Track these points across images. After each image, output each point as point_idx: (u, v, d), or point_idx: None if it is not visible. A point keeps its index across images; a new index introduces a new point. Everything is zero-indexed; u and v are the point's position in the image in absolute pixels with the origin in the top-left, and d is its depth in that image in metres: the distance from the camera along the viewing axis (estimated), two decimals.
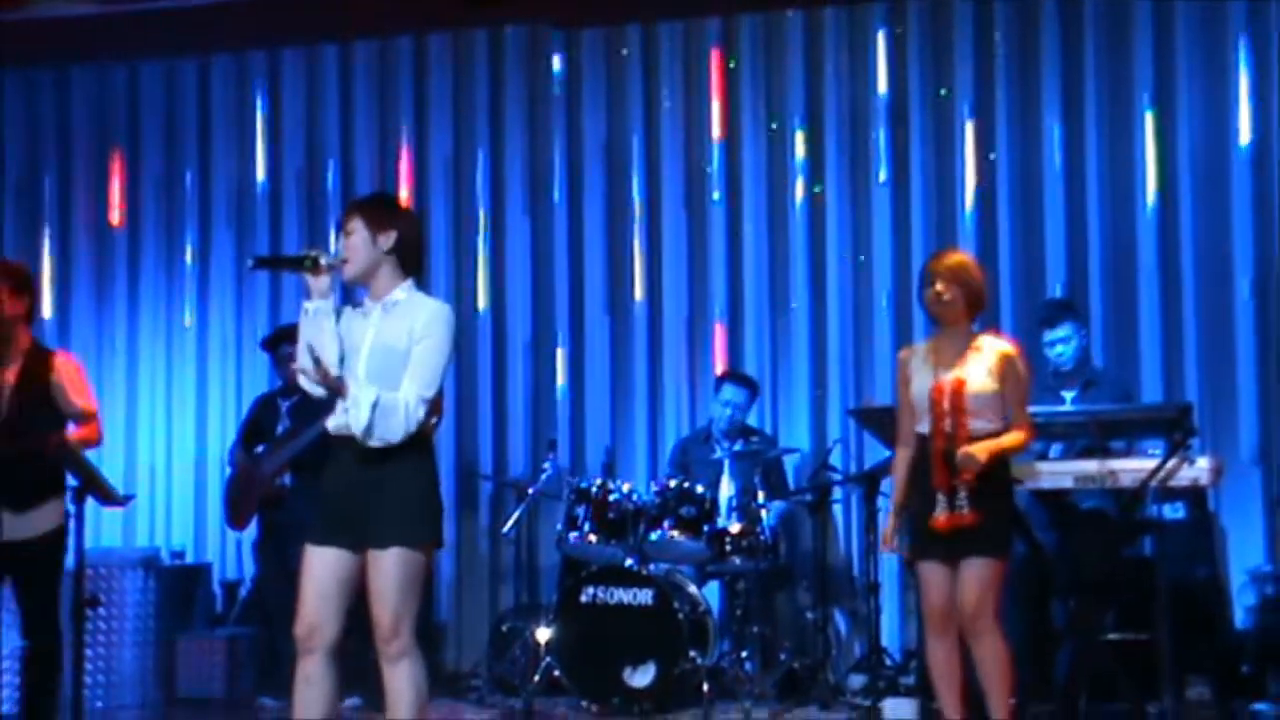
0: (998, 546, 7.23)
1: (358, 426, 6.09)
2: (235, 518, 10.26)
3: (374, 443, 6.10)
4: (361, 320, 6.28)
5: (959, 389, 7.19)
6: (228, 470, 10.50)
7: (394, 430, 6.10)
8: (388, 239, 6.26)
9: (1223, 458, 9.44)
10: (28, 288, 8.24)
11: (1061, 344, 9.40)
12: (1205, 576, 9.36)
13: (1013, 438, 7.26)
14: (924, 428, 7.30)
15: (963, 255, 7.80)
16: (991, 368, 7.27)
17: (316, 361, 6.09)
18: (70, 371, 8.16)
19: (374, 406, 6.07)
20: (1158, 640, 8.58)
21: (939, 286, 7.30)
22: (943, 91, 10.77)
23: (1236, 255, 10.24)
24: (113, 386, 11.77)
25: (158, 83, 11.98)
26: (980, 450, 7.08)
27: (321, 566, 6.20)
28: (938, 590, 7.26)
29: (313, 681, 6.25)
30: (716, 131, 11.21)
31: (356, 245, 6.25)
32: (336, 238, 6.49)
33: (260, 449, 10.16)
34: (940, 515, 7.16)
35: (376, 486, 6.15)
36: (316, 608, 6.20)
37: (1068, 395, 9.33)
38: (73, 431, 7.98)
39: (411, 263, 6.37)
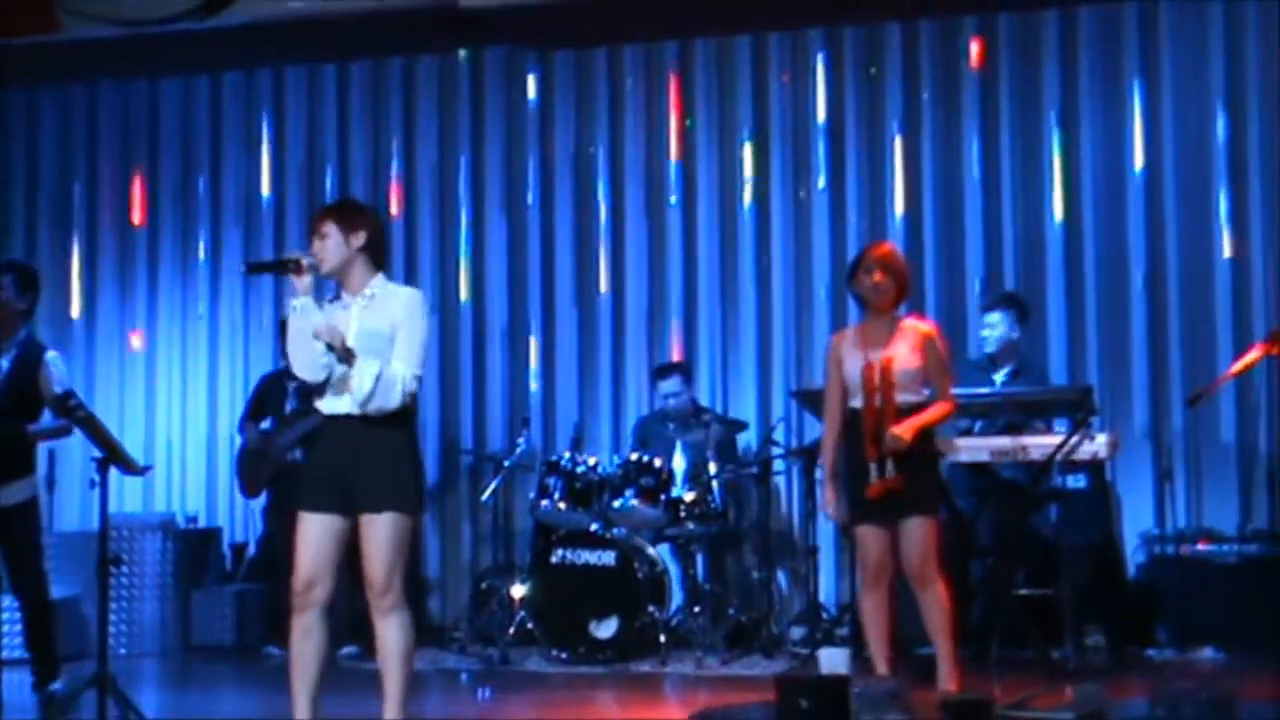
0: (928, 507, 7.30)
1: (360, 394, 6.13)
2: (249, 487, 10.32)
3: (371, 409, 6.14)
4: (343, 312, 6.31)
5: (887, 367, 7.22)
6: (238, 442, 10.54)
7: (391, 400, 6.16)
8: (358, 238, 6.31)
9: (1118, 433, 9.56)
10: (33, 287, 8.42)
11: (992, 328, 9.43)
12: (1102, 539, 9.48)
13: (936, 410, 7.32)
14: (857, 403, 7.33)
15: (892, 245, 7.90)
16: (914, 346, 7.32)
17: (340, 338, 6.15)
18: (57, 367, 8.28)
19: (377, 378, 6.14)
20: (1060, 594, 8.80)
21: (877, 275, 7.33)
22: (872, 70, 10.82)
23: (1131, 256, 10.34)
24: (134, 369, 11.86)
25: (175, 99, 11.95)
26: (905, 430, 7.14)
27: (317, 530, 6.25)
28: (874, 550, 7.30)
29: (310, 633, 6.30)
30: (674, 143, 11.20)
31: (331, 246, 6.29)
32: (310, 240, 6.53)
33: (267, 425, 10.21)
34: (873, 483, 7.19)
35: (369, 458, 6.20)
36: (313, 567, 6.25)
37: (997, 378, 9.38)
38: (48, 423, 8.16)
39: (380, 258, 6.42)
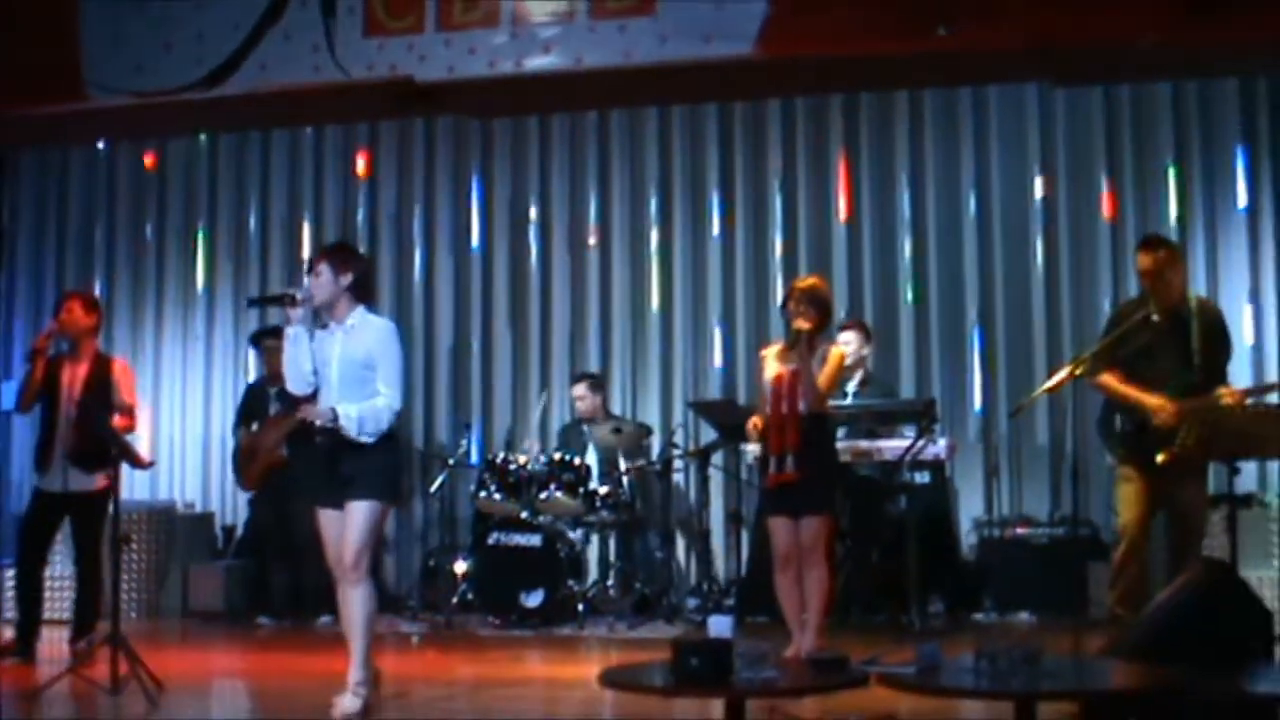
0: (825, 504, 7.28)
1: (352, 433, 6.26)
2: (246, 482, 10.31)
3: (366, 437, 6.28)
4: (329, 339, 6.43)
5: (795, 378, 7.20)
6: (232, 444, 10.52)
7: (381, 425, 6.32)
8: (347, 278, 6.40)
9: (956, 438, 9.80)
10: (96, 309, 8.61)
11: (845, 344, 9.30)
12: (942, 524, 9.61)
13: (821, 377, 7.24)
14: (769, 408, 7.29)
15: (816, 279, 7.74)
16: (820, 362, 7.27)
17: (329, 418, 6.30)
18: (125, 375, 8.42)
19: (360, 419, 6.27)
20: (907, 570, 8.95)
21: (802, 307, 7.27)
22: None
23: (966, 292, 10.49)
24: (142, 380, 11.51)
25: (179, 156, 11.91)
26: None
27: (329, 522, 6.39)
28: (782, 539, 7.28)
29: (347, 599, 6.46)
30: (592, 195, 11.25)
31: (323, 283, 6.39)
32: (306, 275, 6.58)
33: (255, 427, 10.19)
34: (772, 473, 7.19)
35: (354, 459, 6.32)
36: (334, 550, 6.39)
37: (849, 390, 9.45)
38: (118, 419, 8.19)
39: (364, 294, 6.52)
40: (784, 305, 7.50)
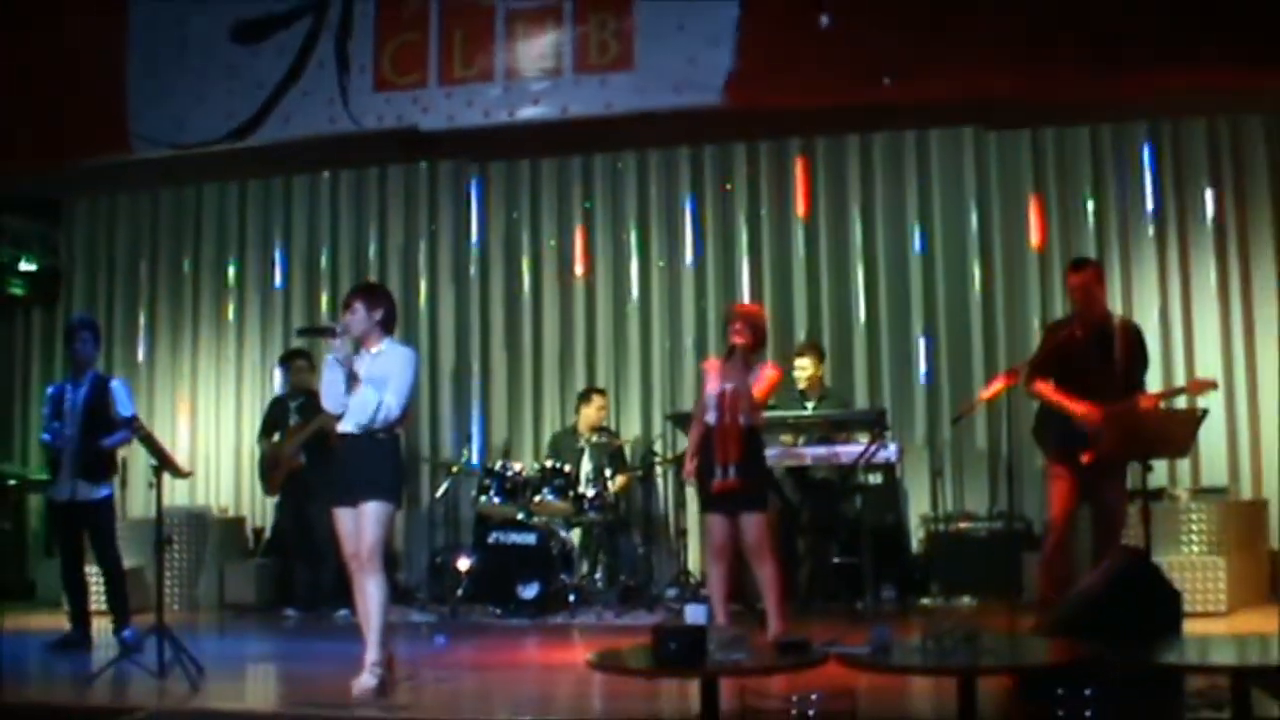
0: (760, 505, 7.34)
1: (355, 408, 6.45)
2: (269, 488, 10.32)
3: (364, 420, 6.42)
4: (358, 362, 6.57)
5: (735, 396, 7.27)
6: (258, 452, 10.55)
7: (375, 416, 6.42)
8: (378, 313, 6.58)
9: (904, 443, 9.83)
10: (100, 337, 8.70)
11: (803, 369, 9.60)
12: (893, 520, 9.66)
13: (757, 390, 7.36)
14: (711, 419, 7.35)
15: (754, 306, 8.13)
16: (756, 381, 7.35)
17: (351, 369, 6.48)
18: (120, 392, 8.45)
19: (367, 397, 6.43)
20: (862, 561, 8.97)
21: (738, 325, 7.39)
22: (727, 185, 11.02)
23: (912, 313, 10.56)
24: (183, 401, 11.88)
25: (213, 201, 11.97)
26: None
27: (344, 520, 6.48)
28: (718, 534, 7.36)
29: (362, 589, 6.51)
30: (579, 230, 11.34)
31: (359, 319, 6.55)
32: (340, 311, 6.71)
33: (278, 437, 10.27)
34: (717, 481, 7.23)
35: (364, 464, 6.43)
36: (349, 545, 6.47)
37: (809, 406, 9.55)
38: (117, 436, 8.32)
39: (390, 326, 6.67)
40: (726, 325, 7.63)
